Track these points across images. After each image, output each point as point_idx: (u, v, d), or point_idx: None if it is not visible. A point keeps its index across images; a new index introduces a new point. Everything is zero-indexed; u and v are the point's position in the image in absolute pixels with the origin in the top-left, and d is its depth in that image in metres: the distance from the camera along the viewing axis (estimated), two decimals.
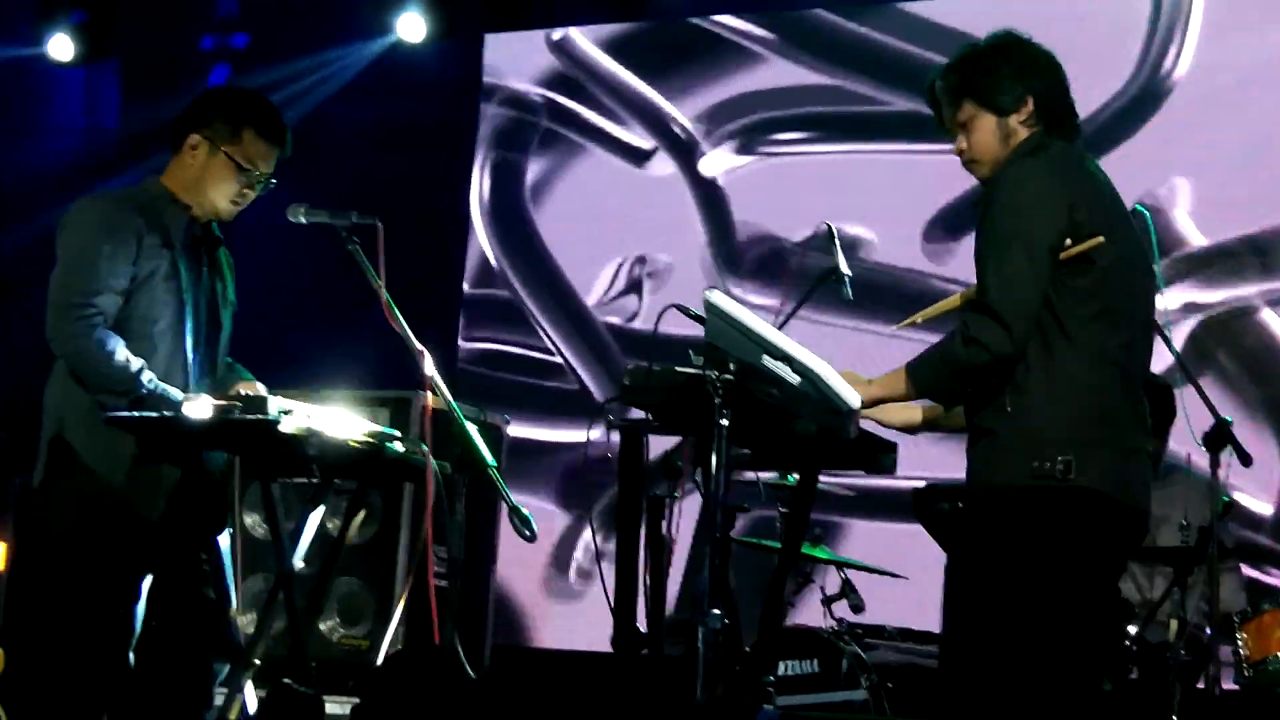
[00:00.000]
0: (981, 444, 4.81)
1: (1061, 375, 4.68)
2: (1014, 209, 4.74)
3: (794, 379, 4.69)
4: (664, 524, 5.78)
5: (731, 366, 4.72)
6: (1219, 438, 6.64)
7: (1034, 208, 4.71)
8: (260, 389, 5.66)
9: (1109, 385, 4.73)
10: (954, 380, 4.81)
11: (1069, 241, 4.68)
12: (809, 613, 8.02)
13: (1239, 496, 8.46)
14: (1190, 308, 9.32)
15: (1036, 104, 4.91)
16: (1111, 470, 4.69)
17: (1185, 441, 6.96)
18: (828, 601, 7.87)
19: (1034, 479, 4.63)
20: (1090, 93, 9.44)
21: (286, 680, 5.66)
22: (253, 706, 5.73)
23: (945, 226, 9.97)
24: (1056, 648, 4.66)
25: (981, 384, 4.74)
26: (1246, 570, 7.79)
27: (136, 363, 5.48)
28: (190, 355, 5.68)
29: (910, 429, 5.44)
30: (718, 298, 4.75)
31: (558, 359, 10.88)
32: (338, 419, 5.66)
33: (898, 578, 8.40)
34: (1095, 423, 4.68)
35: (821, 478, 6.04)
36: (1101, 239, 4.69)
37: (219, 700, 5.76)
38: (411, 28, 11.23)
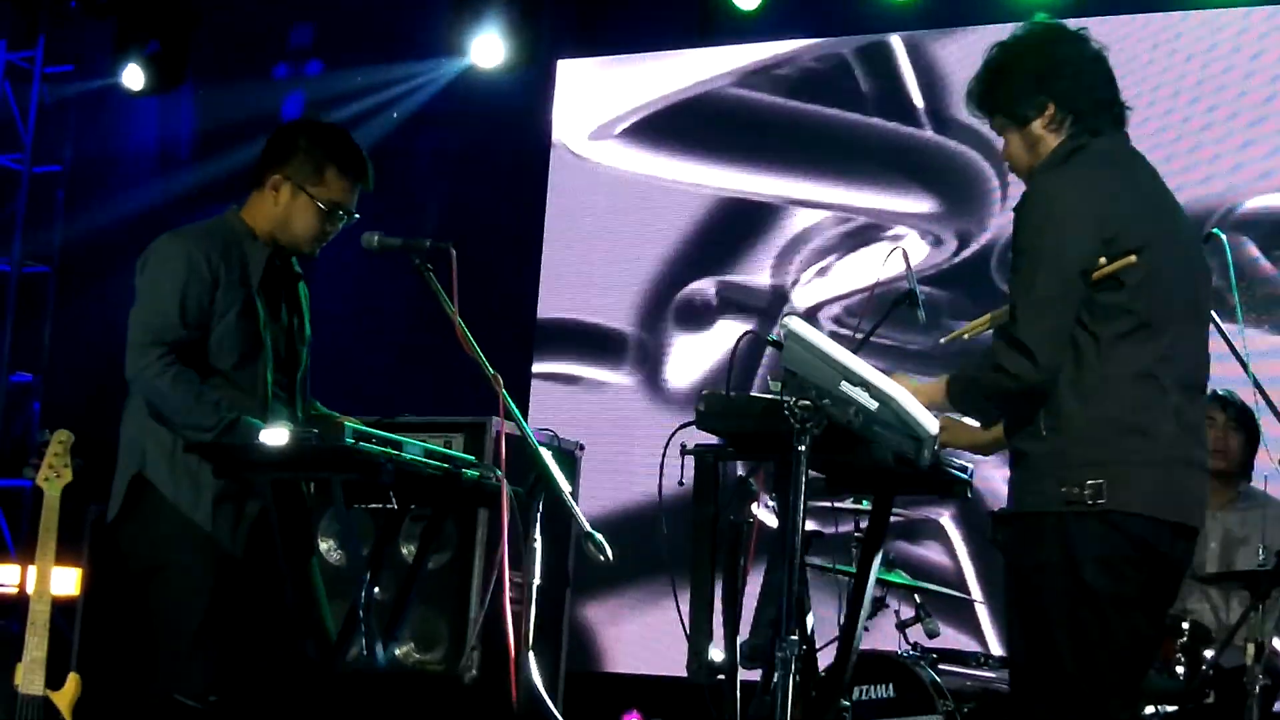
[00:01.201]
0: (1018, 467, 4.75)
1: (1094, 394, 4.58)
2: (1041, 228, 4.63)
3: (872, 405, 4.68)
4: (738, 549, 5.77)
5: (811, 393, 4.71)
6: None
7: (1062, 226, 4.60)
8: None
9: (1145, 401, 4.61)
10: (986, 403, 4.78)
11: (1102, 260, 4.58)
12: (884, 637, 8.00)
13: None
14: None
15: (1059, 106, 4.79)
16: (1149, 488, 4.59)
17: (1263, 463, 6.93)
18: (903, 626, 7.84)
19: (1065, 504, 4.56)
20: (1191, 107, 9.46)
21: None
22: None
23: None
24: (1092, 675, 4.61)
25: (1013, 407, 4.70)
26: None
27: (216, 399, 5.51)
28: (269, 391, 5.71)
29: (978, 449, 5.41)
30: (796, 324, 4.75)
31: (632, 383, 10.89)
32: (412, 444, 5.67)
33: (972, 601, 8.40)
34: (1129, 440, 4.58)
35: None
36: (1133, 259, 4.55)
37: None
38: (485, 54, 11.25)
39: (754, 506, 5.77)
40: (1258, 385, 6.45)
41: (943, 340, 5.61)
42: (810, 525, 6.93)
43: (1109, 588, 4.58)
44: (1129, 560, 4.59)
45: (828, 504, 6.78)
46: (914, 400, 4.70)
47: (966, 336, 5.33)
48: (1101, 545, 4.56)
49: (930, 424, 4.73)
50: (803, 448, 4.68)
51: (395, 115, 11.76)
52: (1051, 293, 4.57)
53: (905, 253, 6.29)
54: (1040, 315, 4.58)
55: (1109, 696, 4.66)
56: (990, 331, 5.11)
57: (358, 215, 5.87)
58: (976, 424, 5.11)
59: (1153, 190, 4.82)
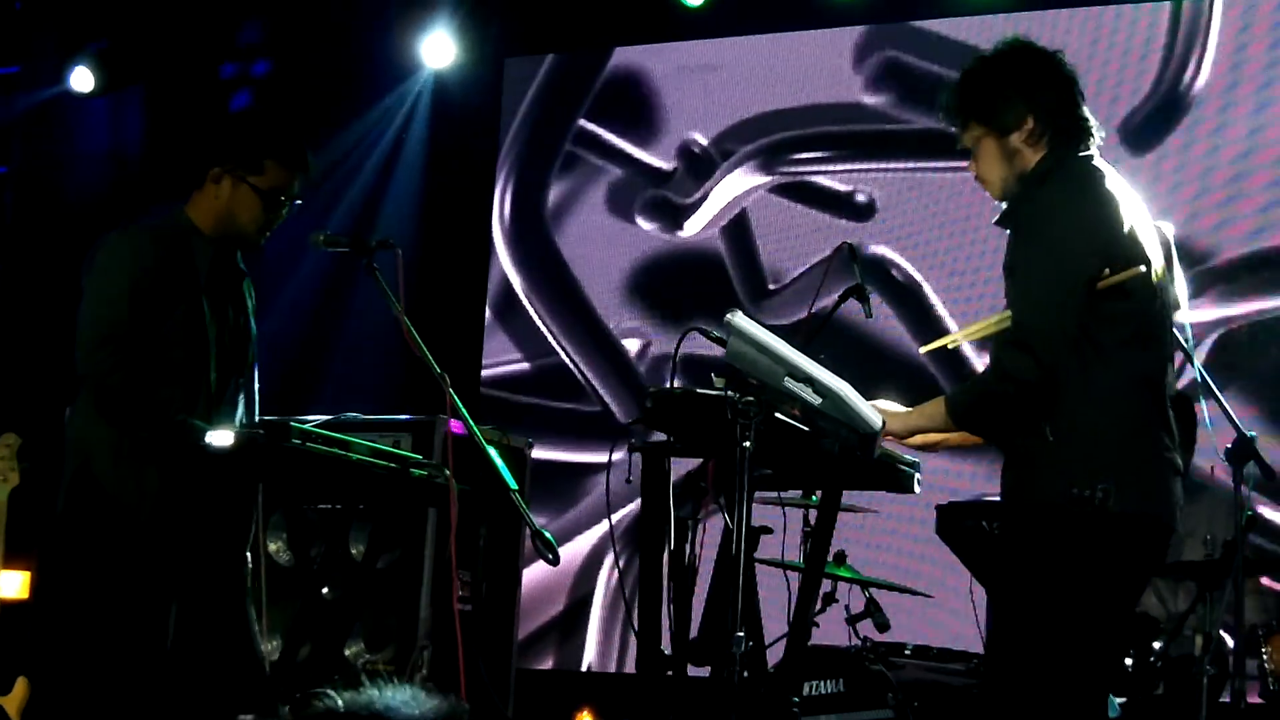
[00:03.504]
0: (1019, 467, 4.79)
1: (1099, 400, 4.65)
2: (1046, 238, 4.70)
3: (815, 400, 4.69)
4: (687, 546, 5.78)
5: (754, 387, 4.72)
6: (1242, 452, 6.63)
7: (1067, 237, 4.67)
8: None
9: (1145, 407, 4.72)
10: (989, 413, 4.79)
11: (1107, 271, 4.65)
12: (834, 632, 8.01)
13: (1263, 510, 8.43)
14: (1214, 321, 9.31)
15: (1038, 119, 4.86)
16: (1148, 492, 4.68)
17: (1208, 456, 6.95)
18: (852, 620, 7.85)
19: (1071, 503, 4.60)
20: (1112, 106, 9.49)
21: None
22: None
23: (965, 243, 9.98)
24: (1084, 665, 4.66)
25: (1016, 414, 4.72)
26: (1270, 584, 7.78)
27: (164, 398, 5.49)
28: (216, 388, 5.69)
29: (930, 448, 5.43)
30: (739, 320, 4.76)
31: (580, 381, 10.89)
32: (360, 444, 5.67)
33: (922, 596, 8.40)
34: (1132, 445, 4.67)
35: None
36: (1141, 269, 4.66)
37: None
38: (435, 53, 11.23)
39: (704, 502, 5.77)
40: (1203, 377, 6.49)
41: (924, 350, 5.62)
42: (759, 520, 6.94)
43: (1109, 585, 4.68)
44: (1125, 560, 4.69)
45: (776, 499, 6.81)
46: (856, 395, 4.72)
47: (950, 346, 5.35)
48: (1101, 544, 4.64)
49: (874, 419, 4.74)
50: (748, 443, 4.70)
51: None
52: (1054, 298, 4.64)
53: (851, 247, 6.29)
54: (1042, 318, 4.65)
55: (1095, 688, 4.75)
56: (966, 343, 5.17)
57: (299, 202, 5.86)
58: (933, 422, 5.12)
59: (1135, 206, 4.89)
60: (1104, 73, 9.53)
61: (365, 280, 5.70)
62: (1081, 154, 4.89)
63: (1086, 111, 4.96)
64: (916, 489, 5.70)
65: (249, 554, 5.83)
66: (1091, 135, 4.95)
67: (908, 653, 7.59)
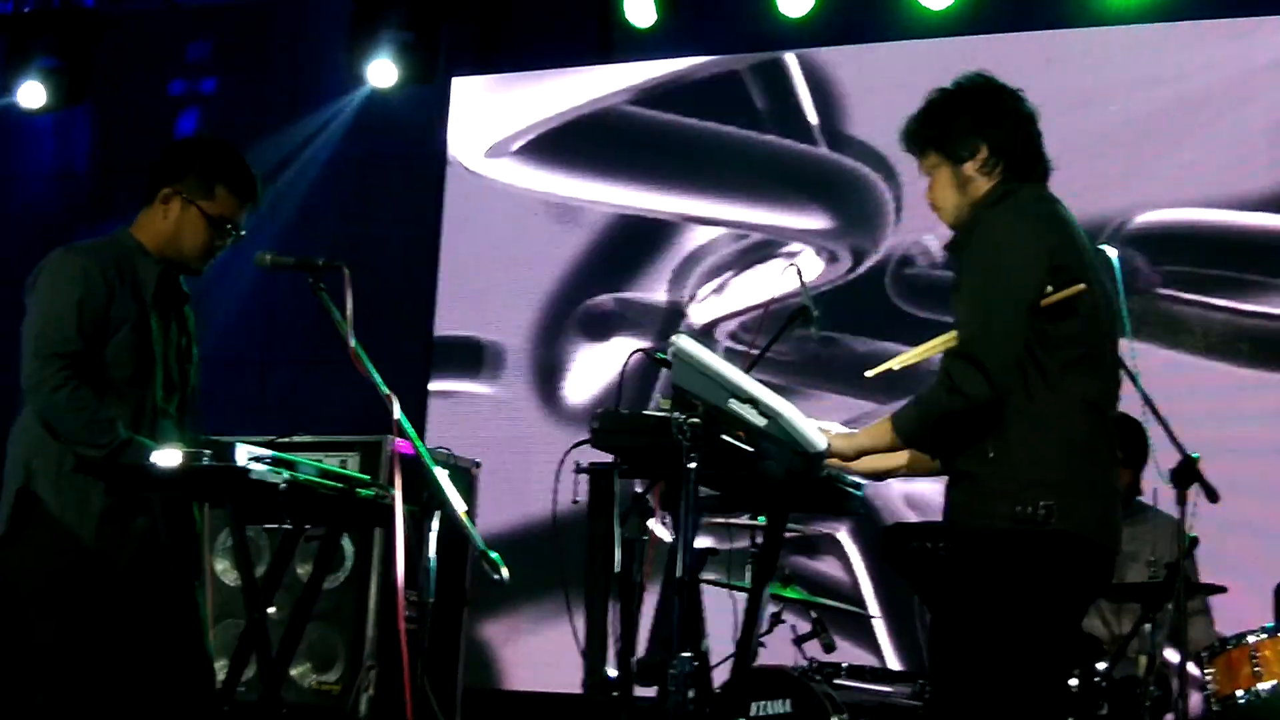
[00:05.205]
0: (963, 487, 4.81)
1: (1043, 420, 4.69)
2: (993, 260, 4.75)
3: (760, 421, 4.71)
4: (634, 566, 5.78)
5: (698, 409, 4.74)
6: (1186, 474, 6.65)
7: (1013, 258, 4.72)
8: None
9: (1090, 429, 4.75)
10: (936, 428, 4.81)
11: (1050, 289, 4.69)
12: (780, 653, 8.02)
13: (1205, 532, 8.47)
14: (1157, 345, 9.37)
15: (991, 150, 4.92)
16: (1091, 513, 4.71)
17: (1152, 478, 6.98)
18: (799, 641, 7.87)
19: (1015, 523, 4.64)
20: (1062, 130, 9.54)
21: None
22: None
23: (915, 265, 10.01)
24: (1030, 687, 4.68)
25: (963, 430, 4.74)
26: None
27: (111, 416, 5.47)
28: (160, 407, 5.67)
29: (877, 476, 5.45)
30: (684, 342, 4.78)
31: (528, 400, 10.88)
32: (307, 464, 5.66)
33: (868, 616, 8.44)
34: (1077, 467, 4.70)
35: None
36: (1083, 286, 4.70)
37: None
38: (381, 74, 11.22)
39: (650, 522, 5.78)
40: (1147, 400, 6.52)
41: (869, 374, 5.62)
42: (707, 541, 6.96)
43: (1052, 605, 4.71)
44: (1067, 581, 4.72)
45: (723, 520, 6.82)
46: (801, 416, 4.74)
47: (896, 368, 5.36)
48: (1044, 565, 4.67)
49: (818, 440, 4.76)
50: (693, 465, 4.71)
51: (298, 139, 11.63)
52: (1004, 318, 4.68)
53: (799, 269, 6.33)
54: (994, 337, 4.69)
55: (1040, 709, 4.75)
56: (916, 363, 5.19)
57: (244, 233, 5.85)
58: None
59: (1083, 237, 4.95)
60: (1055, 97, 9.59)
61: (311, 298, 5.67)
62: (1029, 185, 4.95)
63: (1042, 149, 5.03)
64: (862, 510, 5.73)
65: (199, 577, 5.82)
66: (1045, 171, 5.03)
67: (845, 672, 7.62)
